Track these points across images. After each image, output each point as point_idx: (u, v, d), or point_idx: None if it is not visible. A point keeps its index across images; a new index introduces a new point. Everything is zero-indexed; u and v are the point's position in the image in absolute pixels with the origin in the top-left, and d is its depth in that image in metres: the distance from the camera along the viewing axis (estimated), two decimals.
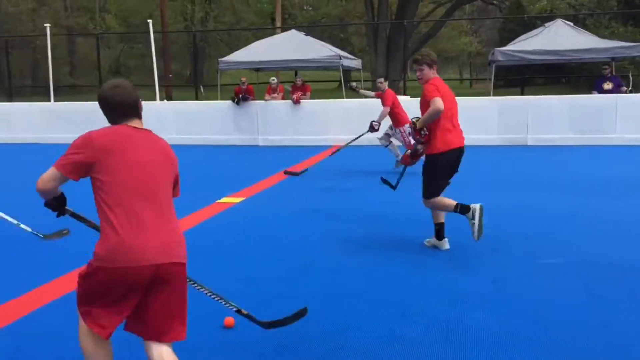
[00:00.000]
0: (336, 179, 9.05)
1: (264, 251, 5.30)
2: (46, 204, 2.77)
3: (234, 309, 3.41)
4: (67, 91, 28.59)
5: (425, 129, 4.98)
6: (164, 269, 2.43)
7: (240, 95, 13.98)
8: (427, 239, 5.36)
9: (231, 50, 23.33)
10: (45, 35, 16.10)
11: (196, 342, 3.35)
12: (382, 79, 10.15)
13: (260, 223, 6.35)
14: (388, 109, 9.34)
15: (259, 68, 18.42)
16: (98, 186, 2.46)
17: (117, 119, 2.63)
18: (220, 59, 16.83)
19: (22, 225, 5.36)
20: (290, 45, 16.14)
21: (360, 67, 18.76)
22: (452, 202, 5.03)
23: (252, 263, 4.94)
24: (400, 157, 9.18)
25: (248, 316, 3.41)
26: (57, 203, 2.77)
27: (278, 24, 28.82)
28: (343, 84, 16.77)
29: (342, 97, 15.33)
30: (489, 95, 14.91)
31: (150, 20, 15.45)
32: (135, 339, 2.57)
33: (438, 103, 4.82)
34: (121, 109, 2.62)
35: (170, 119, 14.40)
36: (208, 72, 35.07)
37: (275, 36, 19.03)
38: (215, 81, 18.24)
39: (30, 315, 3.86)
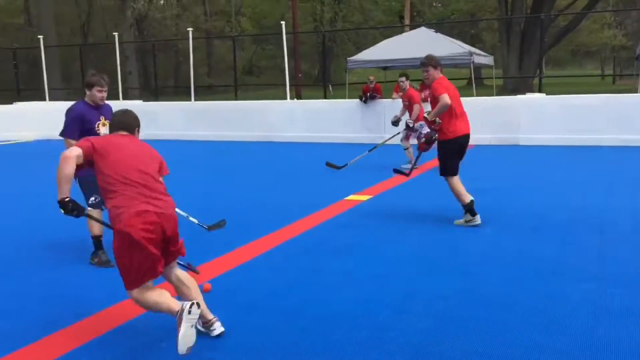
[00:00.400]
0: (472, 180, 8.81)
1: (391, 249, 5.28)
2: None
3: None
4: (205, 91, 30.36)
5: (437, 119, 5.88)
6: (166, 217, 3.23)
7: (368, 94, 14.04)
8: (457, 220, 6.05)
9: (359, 49, 23.53)
10: (187, 39, 17.19)
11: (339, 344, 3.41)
12: (403, 78, 10.50)
13: (387, 221, 6.34)
14: (419, 106, 9.88)
15: (386, 66, 18.41)
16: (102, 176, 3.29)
17: (116, 130, 3.58)
18: (348, 58, 17.04)
19: (191, 218, 5.67)
20: (419, 43, 15.95)
21: (492, 64, 18.11)
22: (467, 198, 5.95)
23: (380, 260, 4.94)
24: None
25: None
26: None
27: (406, 21, 28.60)
28: (474, 82, 16.31)
29: (472, 95, 14.90)
30: (635, 92, 13.77)
31: (283, 22, 15.98)
32: None
33: (446, 98, 5.76)
34: (120, 125, 3.59)
35: (299, 117, 14.80)
36: (336, 71, 35.65)
37: (404, 34, 18.91)
38: (343, 80, 18.49)
39: None
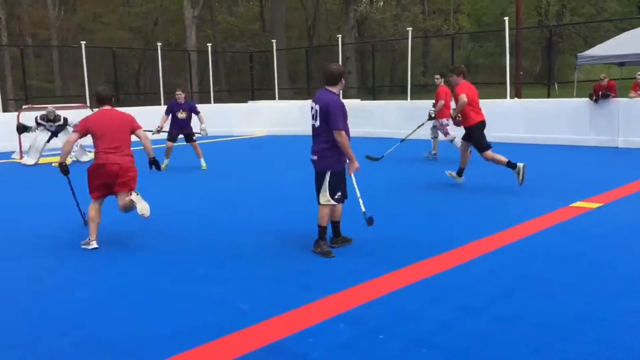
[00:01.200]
0: None
1: (624, 262, 4.78)
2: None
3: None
4: (420, 90, 30.43)
5: (459, 115, 8.03)
6: (123, 166, 5.56)
7: (600, 93, 12.85)
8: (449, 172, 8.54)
9: (587, 44, 21.64)
10: (405, 38, 17.41)
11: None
12: (438, 76, 11.72)
13: (619, 231, 5.75)
14: (443, 102, 11.11)
15: (622, 62, 16.66)
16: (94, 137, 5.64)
17: (101, 105, 5.79)
18: (578, 54, 15.80)
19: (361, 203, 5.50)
20: None
21: None
22: (504, 159, 7.93)
23: (611, 274, 4.50)
24: (434, 152, 11.58)
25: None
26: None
27: None
28: None
29: None
30: None
31: (506, 18, 15.34)
32: None
33: (463, 98, 7.84)
34: (103, 99, 5.80)
35: (519, 117, 14.10)
36: (560, 68, 33.25)
37: None
38: (568, 77, 17.16)
39: (390, 295, 4.24)
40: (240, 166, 11.59)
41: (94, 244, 5.56)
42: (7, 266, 5.20)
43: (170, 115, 10.85)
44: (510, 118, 14.22)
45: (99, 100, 5.79)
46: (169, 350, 3.40)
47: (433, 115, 11.17)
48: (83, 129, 5.67)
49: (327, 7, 41.18)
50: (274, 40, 20.79)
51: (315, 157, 5.18)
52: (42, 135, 12.17)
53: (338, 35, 19.75)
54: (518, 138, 13.88)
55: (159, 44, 19.62)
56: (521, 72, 23.83)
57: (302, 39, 40.05)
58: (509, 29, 15.27)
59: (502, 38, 15.61)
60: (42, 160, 12.10)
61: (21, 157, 12.69)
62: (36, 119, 12.16)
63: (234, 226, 6.48)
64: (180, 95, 10.84)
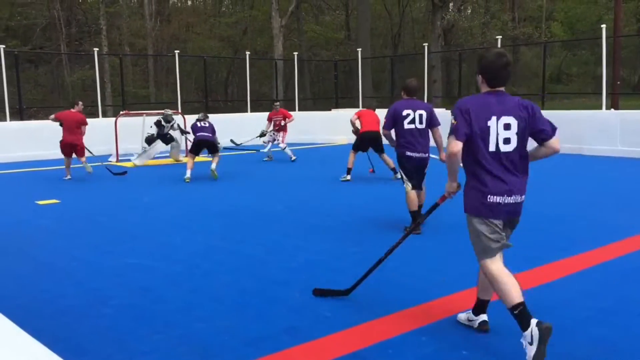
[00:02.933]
0: None
1: None
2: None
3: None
4: None
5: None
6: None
7: None
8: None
9: None
10: (493, 46, 16.93)
11: None
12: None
13: None
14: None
15: None
16: None
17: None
18: None
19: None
20: None
21: None
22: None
23: None
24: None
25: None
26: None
27: None
28: None
29: None
30: None
31: (603, 26, 14.61)
32: None
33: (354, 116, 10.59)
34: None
35: (615, 130, 13.38)
36: None
37: None
38: None
39: None
40: (318, 172, 11.68)
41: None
42: (102, 262, 5.48)
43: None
44: (606, 130, 13.53)
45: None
46: (250, 353, 3.45)
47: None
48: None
49: (413, 15, 40.87)
50: (359, 49, 20.83)
51: (427, 155, 6.31)
52: (159, 145, 13.33)
53: (424, 44, 19.52)
54: (613, 151, 13.17)
55: (247, 52, 20.16)
56: (619, 82, 22.64)
57: (386, 48, 39.93)
58: (608, 37, 14.54)
59: (598, 46, 14.92)
60: (148, 162, 13.14)
61: (117, 161, 13.55)
62: (159, 121, 13.14)
63: (313, 233, 6.52)
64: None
